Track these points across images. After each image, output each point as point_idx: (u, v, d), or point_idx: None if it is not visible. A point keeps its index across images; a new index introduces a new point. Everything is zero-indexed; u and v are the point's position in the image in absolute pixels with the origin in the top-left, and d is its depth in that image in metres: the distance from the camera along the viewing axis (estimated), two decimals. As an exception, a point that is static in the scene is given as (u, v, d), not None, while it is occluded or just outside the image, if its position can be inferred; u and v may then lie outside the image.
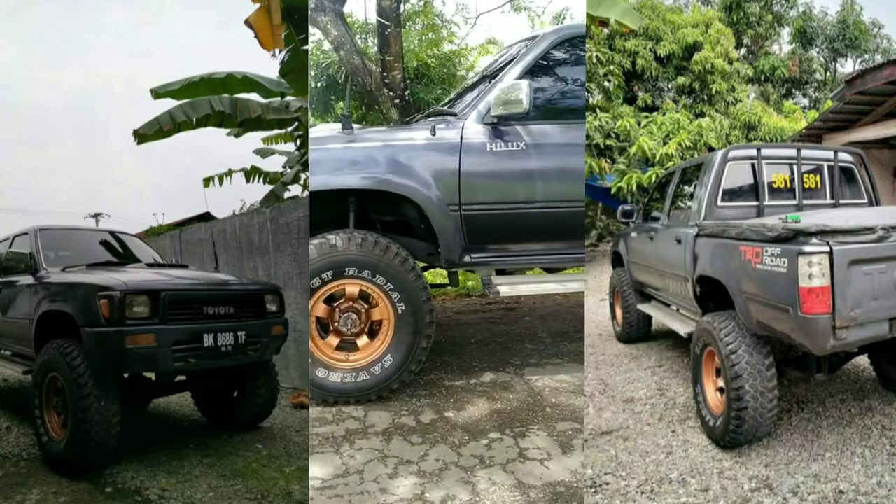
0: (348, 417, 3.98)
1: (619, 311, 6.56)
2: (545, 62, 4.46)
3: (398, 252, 4.07)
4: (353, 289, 4.07)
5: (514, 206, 4.25)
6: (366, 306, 4.16)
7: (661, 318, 5.49)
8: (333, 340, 4.16)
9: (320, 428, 3.77)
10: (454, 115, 4.41)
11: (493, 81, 4.47)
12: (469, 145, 4.19)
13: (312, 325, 4.07)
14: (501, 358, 5.47)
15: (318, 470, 3.32)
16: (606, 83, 13.86)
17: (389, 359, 4.11)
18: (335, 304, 4.14)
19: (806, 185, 4.64)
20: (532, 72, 4.38)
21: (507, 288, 4.40)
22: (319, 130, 5.26)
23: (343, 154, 4.15)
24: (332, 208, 4.38)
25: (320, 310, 4.11)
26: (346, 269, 3.93)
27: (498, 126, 4.24)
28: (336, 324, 4.14)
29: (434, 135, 4.20)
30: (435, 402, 4.31)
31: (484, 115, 4.26)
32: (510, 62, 4.55)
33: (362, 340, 4.18)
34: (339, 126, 4.62)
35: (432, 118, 4.65)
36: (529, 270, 4.96)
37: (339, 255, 3.92)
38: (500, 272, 4.68)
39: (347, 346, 4.18)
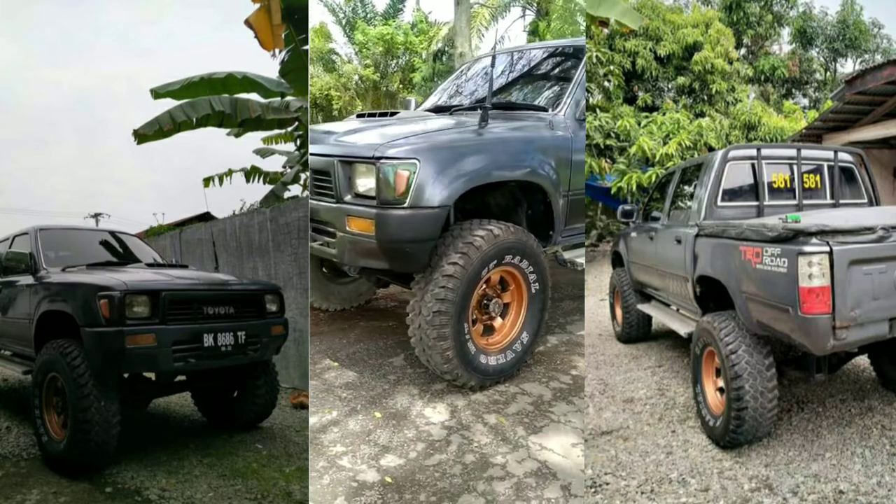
0: (514, 395, 4.16)
1: (619, 311, 6.56)
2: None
3: (533, 237, 4.32)
4: (496, 275, 4.27)
5: (582, 190, 4.87)
6: (498, 290, 4.39)
7: (661, 318, 5.49)
8: (479, 327, 4.35)
9: (510, 407, 3.98)
10: (545, 110, 4.77)
11: (567, 84, 4.92)
12: (575, 139, 4.67)
13: (469, 314, 4.10)
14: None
15: (579, 435, 3.50)
16: (606, 83, 13.85)
17: (526, 335, 4.41)
18: (476, 292, 4.23)
19: (806, 185, 4.64)
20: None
21: (580, 261, 5.00)
22: (414, 116, 5.19)
23: (500, 146, 4.26)
24: None
25: (474, 299, 4.20)
26: (506, 255, 4.09)
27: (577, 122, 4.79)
28: (479, 311, 4.30)
29: (553, 130, 4.57)
30: (547, 366, 4.65)
31: (575, 113, 4.77)
32: (564, 68, 5.10)
33: (497, 322, 4.42)
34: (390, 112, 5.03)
35: (505, 111, 4.83)
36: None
37: (502, 244, 4.05)
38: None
39: (485, 330, 4.41)
